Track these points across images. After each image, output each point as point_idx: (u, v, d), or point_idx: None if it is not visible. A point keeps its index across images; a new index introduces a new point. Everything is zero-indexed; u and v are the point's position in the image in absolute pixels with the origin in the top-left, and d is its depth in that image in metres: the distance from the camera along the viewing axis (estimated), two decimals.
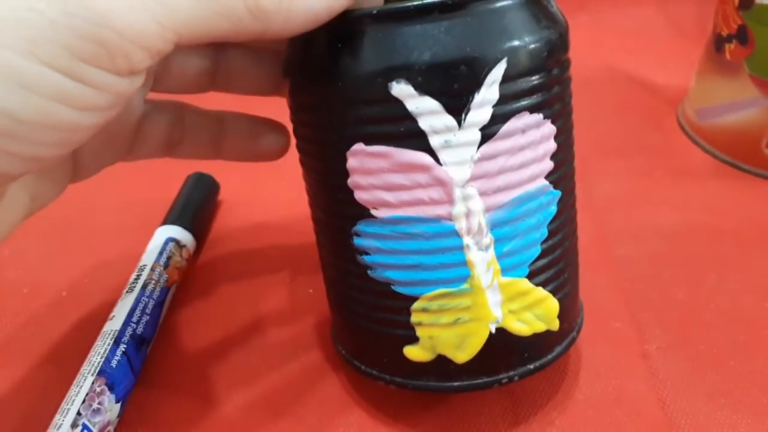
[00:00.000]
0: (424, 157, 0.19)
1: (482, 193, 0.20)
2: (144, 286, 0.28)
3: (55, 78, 0.15)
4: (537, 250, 0.21)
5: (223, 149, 0.26)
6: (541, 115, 0.20)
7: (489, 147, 0.19)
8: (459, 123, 0.19)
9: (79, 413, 0.23)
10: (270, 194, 0.37)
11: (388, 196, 0.20)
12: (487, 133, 0.19)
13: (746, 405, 0.25)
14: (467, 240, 0.20)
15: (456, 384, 0.23)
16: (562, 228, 0.22)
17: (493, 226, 0.20)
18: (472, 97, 0.19)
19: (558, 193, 0.21)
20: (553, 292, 0.22)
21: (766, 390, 0.25)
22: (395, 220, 0.20)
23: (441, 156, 0.19)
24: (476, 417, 0.25)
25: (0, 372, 0.27)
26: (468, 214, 0.20)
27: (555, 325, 0.23)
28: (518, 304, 0.22)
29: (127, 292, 0.28)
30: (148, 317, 0.27)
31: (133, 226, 0.35)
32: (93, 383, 0.24)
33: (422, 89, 0.19)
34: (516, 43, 0.19)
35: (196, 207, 0.35)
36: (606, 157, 0.40)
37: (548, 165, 0.21)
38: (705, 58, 0.42)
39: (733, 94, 0.39)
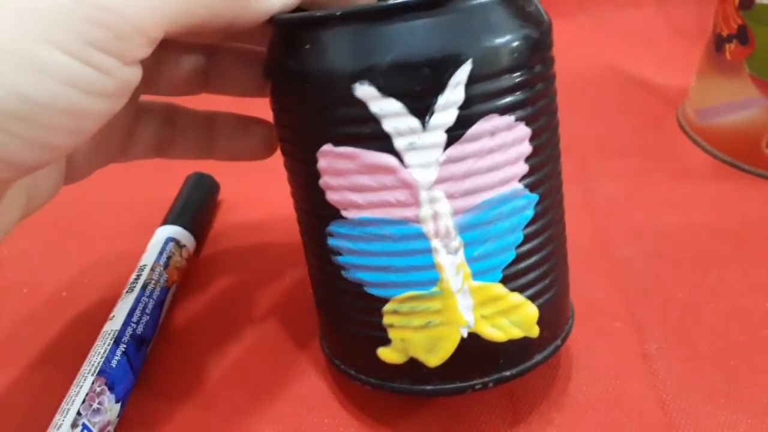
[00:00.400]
0: (389, 159, 0.19)
1: (449, 196, 0.20)
2: (144, 286, 0.28)
3: (68, 62, 0.16)
4: (511, 255, 0.21)
5: (214, 149, 0.26)
6: (512, 117, 0.20)
7: (455, 149, 0.19)
8: (423, 125, 0.19)
9: (79, 413, 0.23)
10: (270, 194, 0.37)
11: (356, 198, 0.20)
12: (453, 135, 0.19)
13: (746, 405, 0.25)
14: (435, 243, 0.20)
15: (429, 387, 0.22)
16: (542, 232, 0.22)
17: (462, 229, 0.20)
18: (436, 99, 0.19)
19: (535, 197, 0.21)
20: (532, 298, 0.22)
21: (766, 390, 0.25)
22: (364, 222, 0.20)
23: (406, 158, 0.19)
24: (476, 416, 0.25)
25: (0, 372, 0.28)
26: (435, 217, 0.20)
27: (534, 332, 0.22)
28: (491, 309, 0.21)
29: (127, 292, 0.28)
30: (148, 317, 0.27)
31: (133, 226, 0.35)
32: (93, 383, 0.24)
33: (385, 91, 0.18)
34: (483, 44, 0.19)
35: (196, 207, 0.35)
36: (606, 157, 0.40)
37: (522, 168, 0.20)
38: (705, 58, 0.42)
39: (733, 94, 0.39)
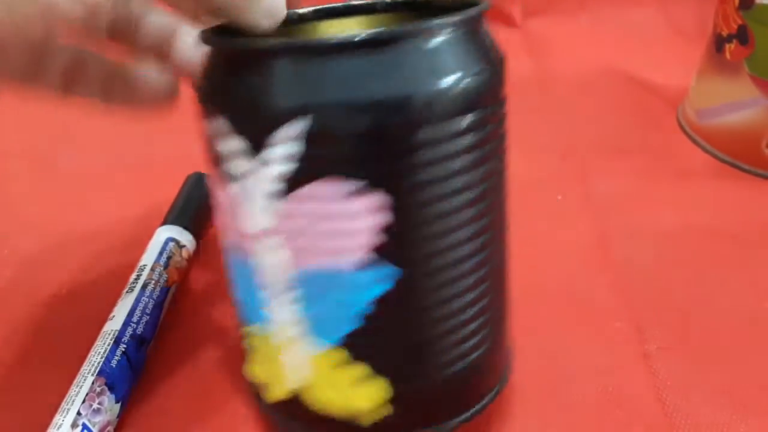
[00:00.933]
0: (229, 198, 0.19)
1: (284, 248, 0.18)
2: (144, 286, 0.28)
3: None
4: (355, 323, 0.19)
5: (114, 94, 0.26)
6: (363, 183, 0.17)
7: (288, 205, 0.17)
8: (257, 172, 0.17)
9: (79, 413, 0.23)
10: None
11: (220, 225, 0.20)
12: (286, 190, 0.17)
13: (746, 405, 0.25)
14: (268, 290, 0.19)
15: (275, 416, 0.22)
16: (405, 309, 0.19)
17: (296, 284, 0.19)
18: (270, 150, 0.17)
19: (397, 271, 0.18)
20: (385, 374, 0.19)
21: (766, 390, 0.25)
22: (227, 249, 0.21)
23: (244, 201, 0.18)
24: (475, 418, 0.25)
25: (0, 372, 0.27)
26: (268, 264, 0.19)
27: (380, 411, 0.20)
28: (324, 372, 0.20)
29: (127, 292, 0.28)
30: (148, 317, 0.27)
31: (133, 226, 0.35)
32: (93, 383, 0.24)
33: (230, 130, 0.17)
34: (328, 100, 0.16)
35: (196, 207, 0.35)
36: (606, 157, 0.40)
37: (376, 238, 0.18)
38: (705, 58, 0.42)
39: (733, 94, 0.39)
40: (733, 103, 0.39)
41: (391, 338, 0.19)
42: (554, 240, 0.34)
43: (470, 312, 0.20)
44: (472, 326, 0.20)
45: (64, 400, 0.24)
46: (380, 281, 0.18)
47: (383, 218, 0.17)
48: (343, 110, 0.16)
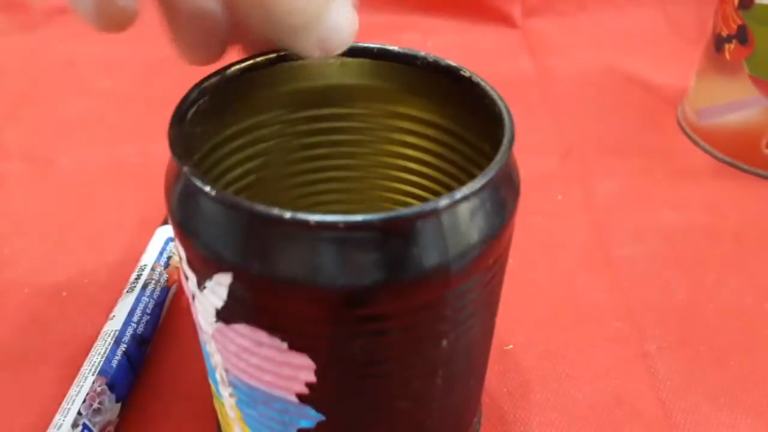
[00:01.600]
0: (189, 292, 0.18)
1: (219, 355, 0.18)
2: (144, 286, 0.28)
3: None
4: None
5: None
6: (284, 344, 0.16)
7: (224, 328, 0.17)
8: (201, 299, 0.17)
9: (79, 413, 0.23)
10: None
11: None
12: (219, 317, 0.17)
13: (746, 405, 0.25)
14: (217, 373, 0.19)
15: None
16: None
17: (231, 384, 0.19)
18: (206, 283, 0.17)
19: (319, 416, 0.18)
20: None
21: (766, 390, 0.25)
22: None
23: (195, 299, 0.18)
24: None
25: (0, 372, 0.28)
26: (213, 355, 0.19)
27: None
28: None
29: (127, 292, 0.28)
30: (148, 317, 0.27)
31: (133, 226, 0.35)
32: (93, 383, 0.24)
33: (185, 259, 0.17)
34: (245, 261, 0.16)
35: None
36: (606, 157, 0.40)
37: (299, 388, 0.17)
38: (705, 58, 0.42)
39: (733, 94, 0.39)
40: (732, 103, 0.39)
41: None
42: (554, 240, 0.34)
43: None
44: None
45: (65, 400, 0.24)
46: (305, 419, 0.18)
47: (305, 375, 0.17)
48: (286, 284, 0.15)
